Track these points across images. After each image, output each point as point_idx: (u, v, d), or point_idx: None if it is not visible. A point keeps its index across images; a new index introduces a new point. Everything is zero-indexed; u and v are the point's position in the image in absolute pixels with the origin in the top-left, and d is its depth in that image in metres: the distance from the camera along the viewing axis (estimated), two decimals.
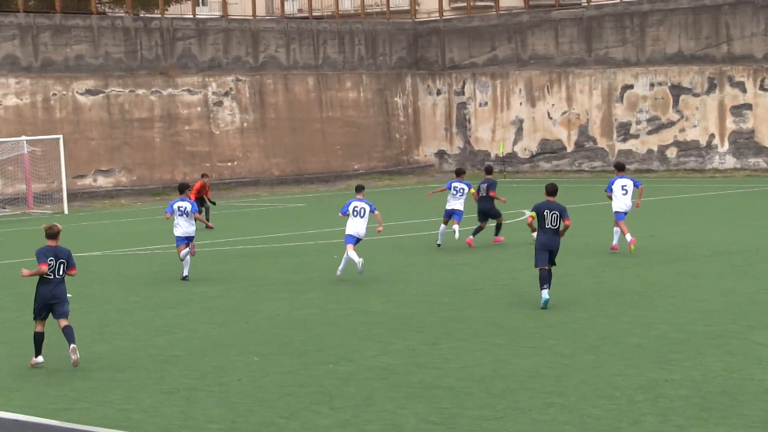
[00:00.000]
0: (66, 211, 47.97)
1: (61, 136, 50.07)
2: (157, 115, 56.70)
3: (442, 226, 30.37)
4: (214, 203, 40.21)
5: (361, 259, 24.56)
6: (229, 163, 59.02)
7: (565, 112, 61.95)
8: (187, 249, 25.65)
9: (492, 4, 69.94)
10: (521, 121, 63.32)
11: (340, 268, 25.13)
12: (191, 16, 60.92)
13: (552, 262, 20.91)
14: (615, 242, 28.19)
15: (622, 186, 28.15)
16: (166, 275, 26.80)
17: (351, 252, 24.81)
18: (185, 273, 25.79)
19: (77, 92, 54.23)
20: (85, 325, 20.12)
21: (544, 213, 20.95)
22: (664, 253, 27.55)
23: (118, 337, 19.21)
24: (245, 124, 59.78)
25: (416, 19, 69.09)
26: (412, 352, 17.07)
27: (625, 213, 27.96)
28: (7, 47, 52.68)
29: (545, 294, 20.53)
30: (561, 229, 20.96)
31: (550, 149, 62.51)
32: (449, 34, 66.40)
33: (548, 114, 62.48)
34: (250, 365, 16.52)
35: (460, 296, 22.29)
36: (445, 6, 71.34)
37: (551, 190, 21.25)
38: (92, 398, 14.87)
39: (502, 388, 14.63)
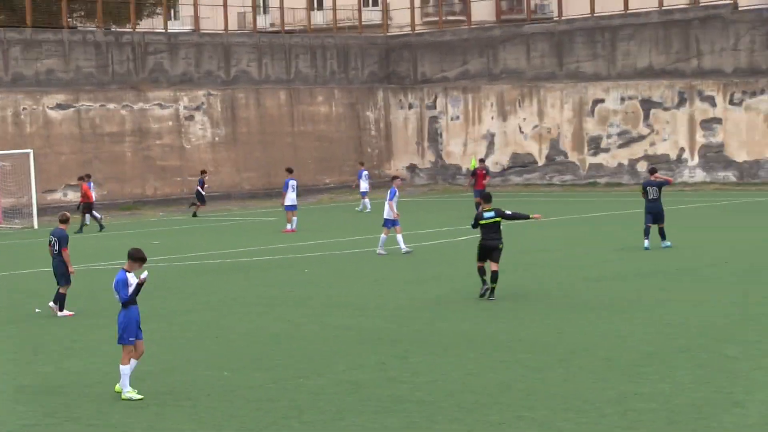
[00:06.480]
0: (36, 226, 47.58)
1: (31, 151, 49.71)
2: (128, 130, 56.56)
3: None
4: None
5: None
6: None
7: (536, 126, 62.15)
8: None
9: (464, 18, 70.18)
10: (492, 135, 63.48)
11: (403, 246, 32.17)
12: (163, 31, 60.86)
13: None
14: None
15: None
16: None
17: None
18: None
19: (48, 107, 54.05)
20: (53, 341, 20.10)
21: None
22: (635, 267, 27.61)
23: (86, 354, 19.15)
24: (216, 139, 59.70)
25: (388, 33, 69.22)
26: (382, 366, 17.05)
27: None
28: None
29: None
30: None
31: (521, 163, 62.66)
32: (421, 48, 66.52)
33: (519, 128, 62.66)
34: (220, 380, 16.46)
35: (431, 310, 22.27)
36: (417, 20, 71.50)
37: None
38: (61, 414, 14.79)
39: (473, 401, 14.62)
